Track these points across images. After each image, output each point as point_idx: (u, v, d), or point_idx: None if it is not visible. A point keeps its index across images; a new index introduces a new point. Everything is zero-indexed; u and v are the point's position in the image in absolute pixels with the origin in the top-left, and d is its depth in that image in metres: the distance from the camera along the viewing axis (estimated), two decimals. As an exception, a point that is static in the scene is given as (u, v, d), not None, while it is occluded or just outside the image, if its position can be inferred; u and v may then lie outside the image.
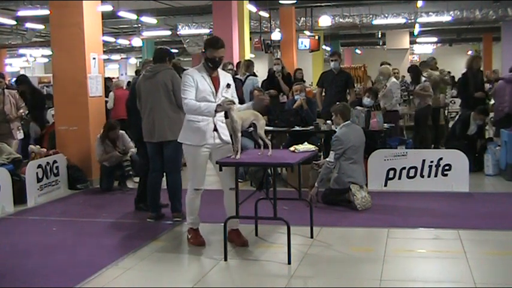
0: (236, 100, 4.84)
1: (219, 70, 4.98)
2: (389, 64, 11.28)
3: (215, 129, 4.89)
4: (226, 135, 4.94)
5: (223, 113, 4.82)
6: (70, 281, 4.28)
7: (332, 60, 8.89)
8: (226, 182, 4.98)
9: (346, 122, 6.56)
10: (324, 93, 9.14)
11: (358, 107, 7.69)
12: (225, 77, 4.97)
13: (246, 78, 9.41)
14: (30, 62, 30.21)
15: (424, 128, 9.62)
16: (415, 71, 10.21)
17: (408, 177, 7.22)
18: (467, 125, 8.57)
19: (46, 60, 29.08)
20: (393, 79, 9.48)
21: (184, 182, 6.05)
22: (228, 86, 4.93)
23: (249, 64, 9.78)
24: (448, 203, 6.60)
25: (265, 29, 17.90)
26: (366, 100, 8.08)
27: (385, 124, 7.81)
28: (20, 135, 8.27)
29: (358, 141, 6.50)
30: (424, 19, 17.90)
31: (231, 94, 4.95)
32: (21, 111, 8.22)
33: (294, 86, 8.58)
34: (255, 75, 9.98)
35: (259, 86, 9.53)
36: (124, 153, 7.67)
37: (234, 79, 8.96)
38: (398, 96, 9.30)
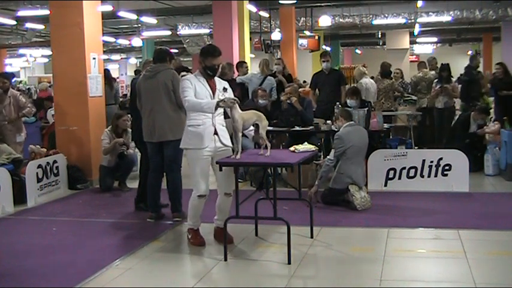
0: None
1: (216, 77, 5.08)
2: (389, 64, 11.32)
3: (215, 133, 4.92)
4: (226, 139, 4.95)
5: (222, 116, 4.85)
6: (70, 281, 4.29)
7: (323, 61, 9.17)
8: (222, 185, 5.02)
9: (350, 122, 6.57)
10: (318, 94, 9.35)
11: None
12: (220, 82, 5.07)
13: (265, 78, 9.33)
14: (30, 62, 30.20)
15: (450, 125, 9.59)
16: (448, 69, 9.97)
17: (408, 177, 7.21)
18: (468, 124, 8.57)
19: (46, 60, 29.07)
20: (363, 79, 9.85)
21: (185, 182, 6.07)
22: (225, 89, 5.00)
23: (268, 63, 9.76)
24: (448, 203, 6.60)
25: (265, 29, 17.88)
26: (349, 102, 7.75)
27: (385, 124, 7.79)
28: (20, 137, 8.26)
29: (360, 143, 6.49)
30: (424, 19, 17.87)
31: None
32: (26, 111, 8.23)
33: (286, 88, 8.44)
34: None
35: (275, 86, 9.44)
36: (124, 144, 7.69)
37: (233, 80, 9.00)
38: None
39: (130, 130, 7.71)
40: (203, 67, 4.96)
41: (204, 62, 4.95)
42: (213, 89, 4.95)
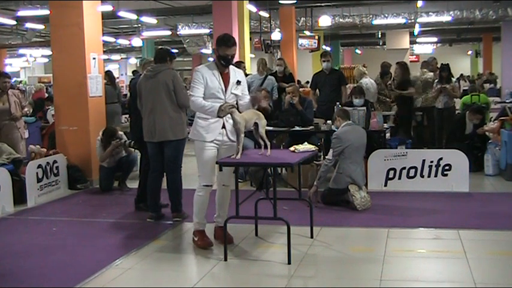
0: (247, 97, 4.99)
1: (231, 67, 4.99)
2: (389, 64, 11.31)
3: (223, 127, 4.91)
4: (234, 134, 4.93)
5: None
6: (70, 281, 4.29)
7: (324, 61, 9.17)
8: (221, 179, 5.02)
9: (348, 122, 6.57)
10: (318, 94, 9.35)
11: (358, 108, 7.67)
12: (235, 74, 4.98)
13: (265, 77, 9.35)
14: (30, 62, 30.20)
15: (449, 126, 9.57)
16: (448, 69, 9.91)
17: (408, 177, 7.21)
18: (464, 125, 8.56)
19: (46, 60, 29.07)
20: (363, 79, 9.87)
21: (185, 182, 6.07)
22: (238, 82, 4.94)
23: (265, 62, 9.78)
24: (448, 203, 6.60)
25: (265, 29, 17.89)
26: (355, 101, 7.86)
27: (385, 124, 7.78)
28: (26, 134, 8.33)
29: (358, 142, 6.49)
30: (424, 19, 17.88)
31: (241, 91, 4.97)
32: (26, 109, 8.30)
33: (287, 88, 8.44)
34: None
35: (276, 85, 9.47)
36: (119, 139, 7.67)
37: None
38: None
39: (121, 133, 7.76)
40: (217, 56, 4.91)
41: (218, 51, 4.88)
42: (226, 82, 4.88)
